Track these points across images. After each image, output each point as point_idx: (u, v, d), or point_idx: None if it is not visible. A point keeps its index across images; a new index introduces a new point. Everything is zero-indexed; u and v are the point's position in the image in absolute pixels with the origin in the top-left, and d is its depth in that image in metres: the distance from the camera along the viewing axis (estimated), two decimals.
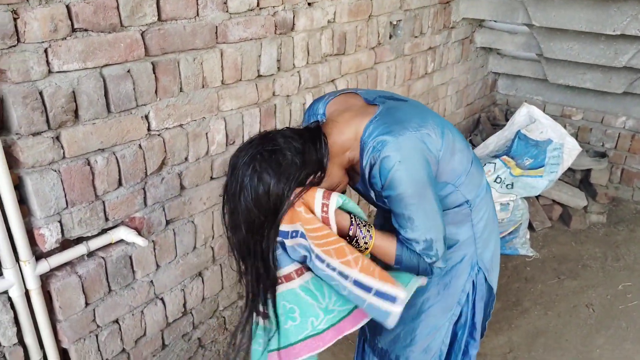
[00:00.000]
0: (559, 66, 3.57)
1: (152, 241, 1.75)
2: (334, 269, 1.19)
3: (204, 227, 1.94)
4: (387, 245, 1.30)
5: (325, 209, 1.23)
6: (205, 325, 2.10)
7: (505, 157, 3.16)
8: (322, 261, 1.20)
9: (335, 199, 1.23)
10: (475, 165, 1.44)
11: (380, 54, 2.65)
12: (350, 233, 1.26)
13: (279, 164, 1.16)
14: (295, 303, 1.26)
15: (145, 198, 1.68)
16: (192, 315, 2.02)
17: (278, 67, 2.04)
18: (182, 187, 1.81)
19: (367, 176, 1.27)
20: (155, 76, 1.59)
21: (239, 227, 1.18)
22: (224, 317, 2.18)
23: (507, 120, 4.04)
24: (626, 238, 3.26)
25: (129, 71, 1.50)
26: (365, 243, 1.28)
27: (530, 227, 3.32)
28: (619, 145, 3.70)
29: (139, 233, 1.68)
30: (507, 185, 3.07)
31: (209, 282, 2.04)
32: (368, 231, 1.29)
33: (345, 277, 1.19)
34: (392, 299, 1.17)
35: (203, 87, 1.76)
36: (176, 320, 1.95)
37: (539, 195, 3.39)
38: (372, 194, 1.33)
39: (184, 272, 1.92)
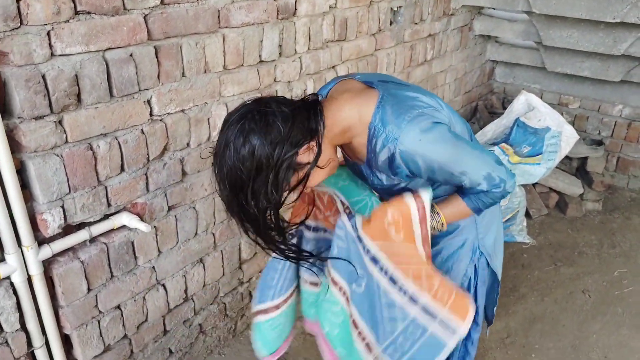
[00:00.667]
0: (558, 54, 3.57)
1: (154, 227, 1.75)
2: (405, 292, 1.22)
3: (205, 214, 1.93)
4: (457, 208, 1.33)
5: (420, 204, 1.25)
6: (206, 312, 2.10)
7: (503, 144, 3.17)
8: (395, 282, 1.22)
9: (427, 196, 1.26)
10: (475, 141, 1.44)
11: (381, 40, 2.64)
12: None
13: (267, 126, 1.12)
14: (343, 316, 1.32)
15: (147, 184, 1.67)
16: (193, 301, 2.02)
17: (279, 53, 2.03)
18: (184, 173, 1.80)
19: (388, 166, 1.26)
20: (158, 60, 1.57)
21: (224, 184, 1.16)
22: (224, 304, 2.19)
23: (504, 108, 4.05)
24: (621, 225, 3.29)
25: (131, 55, 1.49)
26: (439, 221, 1.33)
27: (527, 214, 3.34)
28: (616, 133, 3.72)
29: (141, 219, 1.68)
30: None
31: (210, 268, 2.04)
32: (433, 211, 1.33)
33: (415, 301, 1.22)
34: (453, 330, 1.19)
35: (205, 72, 1.74)
36: (177, 306, 1.95)
37: (536, 183, 3.41)
38: (383, 178, 1.32)
39: (186, 258, 1.92)
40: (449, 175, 1.24)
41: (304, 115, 1.18)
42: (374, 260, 1.26)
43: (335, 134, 1.25)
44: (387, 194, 1.40)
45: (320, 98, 1.33)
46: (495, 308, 1.71)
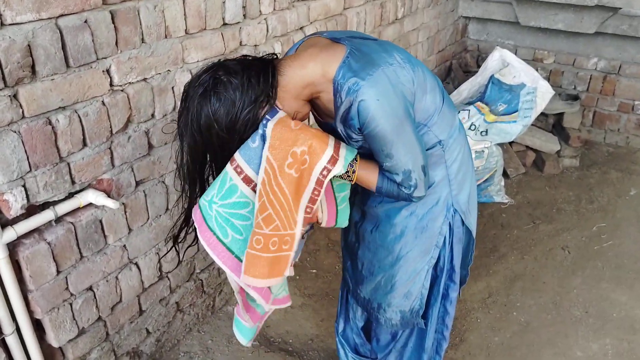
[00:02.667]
0: (530, 8, 3.61)
1: (123, 204, 1.74)
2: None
3: (175, 188, 1.93)
4: (368, 175, 1.39)
5: (325, 172, 1.30)
6: (183, 289, 2.12)
7: (479, 103, 3.22)
8: (250, 183, 1.31)
9: (339, 168, 1.31)
10: (447, 104, 1.48)
11: None
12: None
13: (223, 93, 1.24)
14: (252, 215, 1.34)
15: (112, 158, 1.66)
16: (169, 279, 2.03)
17: (244, 15, 2.01)
18: (151, 146, 1.79)
19: (344, 117, 1.31)
20: (115, 26, 1.54)
21: (184, 150, 1.32)
22: (201, 280, 2.21)
23: (478, 66, 4.10)
24: (599, 180, 3.41)
25: (86, 21, 1.46)
26: (352, 174, 1.37)
27: (505, 174, 3.43)
28: (591, 87, 3.82)
29: (108, 196, 1.67)
30: (481, 132, 3.14)
31: (183, 244, 2.04)
32: (353, 163, 1.37)
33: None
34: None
35: (166, 37, 1.72)
36: (152, 285, 1.96)
37: (512, 142, 3.49)
38: (342, 132, 1.37)
39: (158, 235, 1.92)
40: (377, 149, 1.32)
41: (255, 81, 1.27)
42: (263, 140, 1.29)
43: (298, 89, 1.31)
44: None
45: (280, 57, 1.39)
46: (469, 267, 1.78)
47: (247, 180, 1.31)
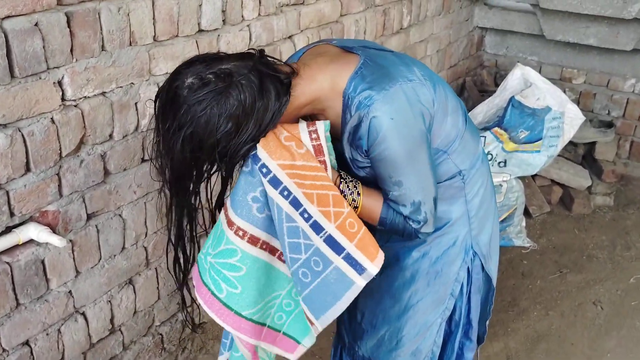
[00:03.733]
0: (558, 19, 3.69)
1: (70, 241, 1.73)
2: (308, 219, 1.29)
3: (134, 222, 1.93)
4: (373, 205, 1.40)
5: (314, 135, 1.32)
6: (139, 345, 2.10)
7: (496, 128, 3.26)
8: (298, 207, 1.28)
9: (323, 125, 1.32)
10: (469, 129, 1.51)
11: (347, 3, 2.68)
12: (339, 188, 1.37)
13: (237, 97, 1.22)
14: (245, 265, 1.35)
15: (60, 186, 1.66)
16: (122, 333, 2.01)
17: (223, 20, 2.04)
18: (107, 172, 1.79)
19: (351, 136, 1.33)
20: (71, 31, 1.56)
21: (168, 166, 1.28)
22: (160, 335, 2.19)
23: (496, 85, 4.16)
24: (637, 223, 3.45)
25: (37, 24, 1.47)
26: (354, 200, 1.38)
27: (527, 212, 3.46)
28: (628, 113, 3.89)
29: (54, 231, 1.66)
30: (499, 162, 3.18)
31: (141, 291, 2.04)
32: (355, 187, 1.39)
33: (319, 230, 1.29)
34: (361, 269, 1.29)
35: (130, 44, 1.74)
36: (102, 340, 1.94)
37: (536, 175, 3.52)
38: (348, 154, 1.39)
39: (111, 279, 1.91)
40: (384, 175, 1.34)
41: (274, 92, 1.26)
42: (274, 181, 1.30)
43: (301, 106, 1.32)
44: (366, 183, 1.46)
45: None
46: (487, 322, 1.78)
47: (230, 224, 1.33)
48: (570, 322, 2.72)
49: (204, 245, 1.40)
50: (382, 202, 1.40)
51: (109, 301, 1.93)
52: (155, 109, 1.27)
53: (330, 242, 1.30)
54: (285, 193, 1.29)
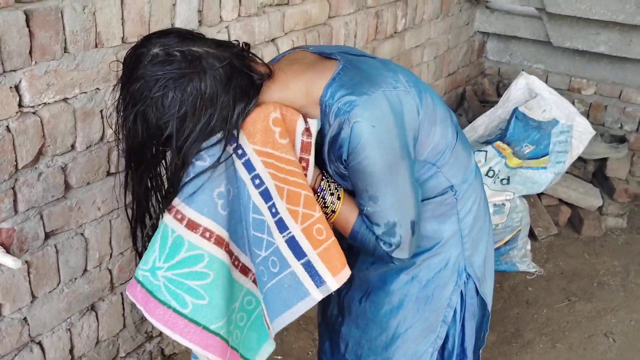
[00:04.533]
0: (565, 24, 3.74)
1: (26, 262, 1.72)
2: (275, 214, 1.31)
3: (98, 242, 1.92)
4: (349, 215, 1.41)
5: (307, 132, 1.34)
6: None
7: (499, 143, 3.28)
8: (268, 199, 1.30)
9: (315, 123, 1.34)
10: (461, 141, 1.52)
11: (336, 4, 2.70)
12: (318, 188, 1.39)
13: (202, 82, 1.23)
14: (213, 271, 1.36)
15: (15, 202, 1.65)
16: None
17: (199, 21, 2.05)
18: (68, 187, 1.79)
19: (331, 145, 1.34)
20: (30, 31, 1.56)
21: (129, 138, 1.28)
22: None
23: (499, 95, 4.19)
24: None
25: None
26: (332, 203, 1.40)
27: (532, 234, 3.47)
28: None
29: (8, 251, 1.65)
30: (502, 180, 3.19)
31: (105, 318, 2.02)
32: (337, 189, 1.41)
33: (283, 228, 1.30)
34: (319, 280, 1.30)
35: (96, 46, 1.74)
36: None
37: (542, 194, 3.54)
38: (330, 168, 1.40)
39: (71, 305, 1.89)
40: (361, 187, 1.35)
41: (240, 91, 1.27)
42: (248, 166, 1.32)
43: None
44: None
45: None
46: (481, 350, 1.78)
47: (192, 226, 1.32)
48: (579, 355, 2.72)
49: (142, 261, 1.35)
50: (357, 214, 1.41)
51: (69, 329, 1.91)
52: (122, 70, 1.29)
53: (292, 244, 1.31)
54: (257, 182, 1.31)
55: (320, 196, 1.40)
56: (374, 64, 1.39)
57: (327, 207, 1.41)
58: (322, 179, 1.41)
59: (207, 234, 1.33)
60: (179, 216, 1.32)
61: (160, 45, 1.23)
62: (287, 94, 1.34)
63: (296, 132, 1.34)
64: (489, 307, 1.69)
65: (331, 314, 1.73)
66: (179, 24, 1.97)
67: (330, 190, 1.40)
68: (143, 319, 2.18)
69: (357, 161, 1.31)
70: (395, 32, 3.23)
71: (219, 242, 1.34)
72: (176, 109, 1.23)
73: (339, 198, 1.41)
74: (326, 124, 1.33)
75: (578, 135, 3.32)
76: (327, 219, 1.38)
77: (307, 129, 1.35)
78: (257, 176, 1.31)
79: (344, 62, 1.36)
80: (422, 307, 1.57)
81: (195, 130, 1.25)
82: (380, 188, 1.33)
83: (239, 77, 1.27)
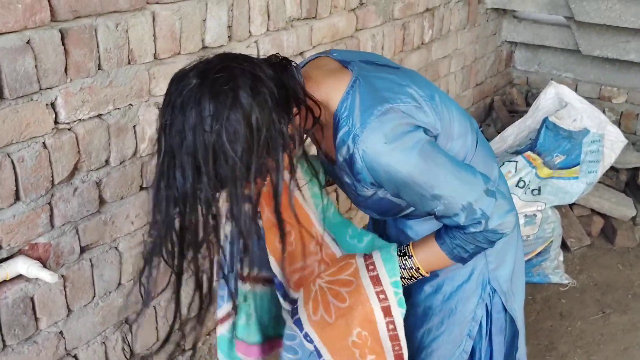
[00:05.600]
0: (595, 33, 3.71)
1: (62, 276, 1.74)
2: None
3: (131, 256, 1.94)
4: (432, 253, 1.41)
5: (382, 296, 1.41)
6: None
7: (529, 153, 3.26)
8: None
9: (390, 284, 1.41)
10: (482, 147, 1.51)
11: (363, 17, 2.72)
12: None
13: (255, 83, 1.17)
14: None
15: (51, 217, 1.67)
16: None
17: (229, 36, 2.08)
18: (102, 201, 1.81)
19: (349, 167, 1.34)
20: (65, 49, 1.59)
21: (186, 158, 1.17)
22: None
23: (527, 104, 4.17)
24: None
25: (28, 42, 1.51)
26: (412, 268, 1.43)
27: (564, 246, 3.43)
28: None
29: (44, 265, 1.67)
30: (532, 190, 3.17)
31: (139, 331, 2.04)
32: (405, 258, 1.44)
33: None
34: None
35: (129, 63, 1.77)
36: None
37: (574, 204, 3.51)
38: (349, 181, 1.40)
39: (106, 318, 1.91)
40: (418, 197, 1.32)
41: (284, 76, 1.25)
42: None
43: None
44: (374, 209, 1.48)
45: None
46: None
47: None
48: None
49: None
50: (435, 242, 1.40)
51: (103, 342, 1.92)
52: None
53: None
54: None
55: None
56: (388, 79, 1.36)
57: (412, 276, 1.43)
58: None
59: None
60: None
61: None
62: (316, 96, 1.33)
63: (382, 341, 1.41)
64: (519, 324, 1.66)
65: None
66: (209, 39, 2.00)
67: (403, 269, 1.43)
68: (177, 330, 2.19)
69: (394, 183, 1.29)
70: (422, 44, 3.24)
71: None
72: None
73: (410, 257, 1.42)
74: (338, 139, 1.31)
75: (610, 144, 3.29)
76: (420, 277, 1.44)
77: (390, 322, 1.40)
78: None
79: (356, 74, 1.34)
80: (446, 320, 1.56)
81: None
82: (434, 184, 1.29)
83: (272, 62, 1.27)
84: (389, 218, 1.60)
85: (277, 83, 1.21)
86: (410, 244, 1.44)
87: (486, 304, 1.57)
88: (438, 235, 1.40)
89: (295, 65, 1.31)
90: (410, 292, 1.57)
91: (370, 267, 1.43)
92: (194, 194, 1.17)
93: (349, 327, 1.40)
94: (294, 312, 1.48)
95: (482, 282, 1.55)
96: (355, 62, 1.40)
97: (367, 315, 1.39)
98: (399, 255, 1.44)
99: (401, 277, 1.42)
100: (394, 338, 1.40)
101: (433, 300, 1.56)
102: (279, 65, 1.28)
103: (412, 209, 1.46)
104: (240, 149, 1.14)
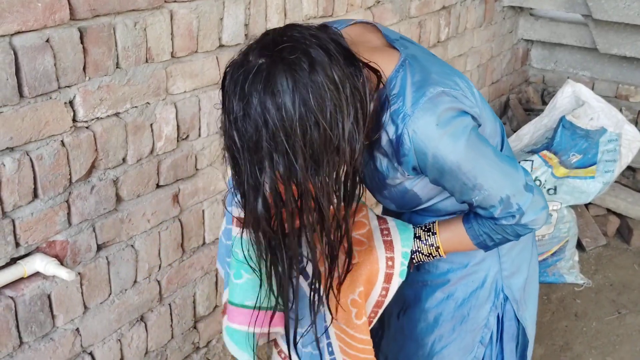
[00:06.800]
0: (612, 30, 3.68)
1: (79, 274, 1.75)
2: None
3: (147, 254, 1.94)
4: (456, 235, 1.40)
5: (390, 263, 1.37)
6: None
7: (545, 152, 3.24)
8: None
9: (400, 254, 1.39)
10: (506, 151, 1.50)
11: (380, 15, 2.71)
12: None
13: (325, 52, 1.13)
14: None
15: (69, 214, 1.68)
16: None
17: (246, 34, 2.07)
18: (119, 199, 1.82)
19: (386, 143, 1.30)
20: (84, 47, 1.60)
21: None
22: None
23: (544, 103, 4.15)
24: None
25: (48, 40, 1.51)
26: (432, 246, 1.42)
27: (580, 245, 3.42)
28: None
29: (61, 262, 1.68)
30: (548, 189, 3.15)
31: (154, 328, 2.05)
32: (428, 234, 1.42)
33: None
34: None
35: (147, 61, 1.77)
36: None
37: (590, 204, 3.49)
38: (384, 164, 1.36)
39: (121, 315, 1.92)
40: (459, 185, 1.29)
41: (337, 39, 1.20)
42: (325, 332, 1.42)
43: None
44: (395, 201, 1.45)
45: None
46: None
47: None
48: None
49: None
50: (462, 226, 1.38)
51: (119, 340, 1.93)
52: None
53: None
54: (330, 349, 1.44)
55: (417, 257, 1.43)
56: (437, 63, 1.34)
57: (431, 254, 1.42)
58: (415, 239, 1.43)
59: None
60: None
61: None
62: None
63: (374, 287, 1.39)
64: (529, 333, 1.64)
65: (372, 327, 1.73)
66: (226, 37, 2.00)
67: (423, 243, 1.43)
68: (192, 328, 2.20)
69: (438, 169, 1.26)
70: (438, 42, 3.23)
71: None
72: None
73: (434, 234, 1.41)
74: (383, 117, 1.27)
75: (627, 143, 3.26)
76: (437, 257, 1.44)
77: (384, 289, 1.39)
78: (330, 344, 1.39)
79: (405, 54, 1.30)
80: (458, 327, 1.55)
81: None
82: (478, 174, 1.26)
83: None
84: (405, 212, 1.58)
85: (337, 44, 1.17)
86: (436, 222, 1.42)
87: (498, 312, 1.56)
88: (466, 218, 1.39)
89: (339, 33, 1.24)
90: (421, 297, 1.56)
91: (385, 232, 1.41)
92: (288, 183, 1.14)
93: (354, 285, 1.37)
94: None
95: (496, 289, 1.54)
96: (401, 42, 1.37)
97: (371, 276, 1.37)
98: (423, 230, 1.42)
99: (419, 252, 1.42)
100: (379, 304, 1.40)
101: (445, 307, 1.55)
102: (325, 30, 1.22)
103: (430, 203, 1.44)
104: (329, 113, 1.11)
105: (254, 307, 1.38)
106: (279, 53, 1.10)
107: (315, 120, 1.10)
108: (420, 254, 1.42)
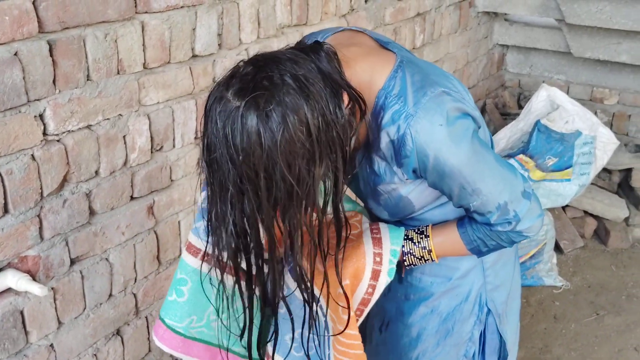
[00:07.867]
0: (586, 34, 3.72)
1: (52, 289, 1.73)
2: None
3: (123, 267, 1.92)
4: (449, 240, 1.39)
5: (378, 259, 1.35)
6: None
7: (521, 156, 3.27)
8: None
9: (389, 251, 1.37)
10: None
11: (354, 22, 2.71)
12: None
13: (300, 85, 1.12)
14: (191, 279, 1.46)
15: (41, 229, 1.66)
16: None
17: (219, 44, 2.07)
18: (92, 212, 1.80)
19: (385, 145, 1.29)
20: (53, 60, 1.58)
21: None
22: None
23: (520, 107, 4.18)
24: None
25: (16, 54, 1.49)
26: (424, 249, 1.41)
27: (557, 248, 3.44)
28: None
29: (34, 278, 1.66)
30: None
31: (130, 342, 2.02)
32: (420, 237, 1.41)
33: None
34: None
35: (118, 73, 1.76)
36: None
37: (567, 206, 3.51)
38: (382, 168, 1.35)
39: (97, 330, 1.90)
40: (458, 189, 1.28)
41: (322, 64, 1.19)
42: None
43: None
44: (387, 208, 1.44)
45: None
46: None
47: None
48: None
49: None
50: (456, 231, 1.38)
51: (95, 355, 1.91)
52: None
53: None
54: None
55: (409, 259, 1.43)
56: (432, 66, 1.35)
57: (423, 257, 1.41)
58: (405, 241, 1.42)
59: None
60: None
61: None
62: (351, 73, 1.24)
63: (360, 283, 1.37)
64: (510, 347, 1.62)
65: None
66: (199, 47, 1.99)
67: (415, 246, 1.41)
68: None
69: (439, 171, 1.25)
70: (413, 48, 3.23)
71: None
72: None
73: (427, 236, 1.40)
74: (382, 117, 1.26)
75: (602, 146, 3.30)
76: (429, 261, 1.43)
77: (370, 286, 1.36)
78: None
79: (400, 56, 1.30)
80: (442, 341, 1.54)
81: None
82: (477, 178, 1.25)
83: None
84: (397, 220, 1.55)
85: (322, 76, 1.16)
86: (430, 225, 1.41)
87: (483, 325, 1.55)
88: (460, 223, 1.38)
89: (328, 46, 1.23)
90: (404, 312, 1.55)
91: (375, 231, 1.41)
92: (254, 224, 1.16)
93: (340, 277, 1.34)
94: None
95: (480, 303, 1.53)
96: (394, 44, 1.36)
97: (357, 271, 1.35)
98: (416, 233, 1.41)
99: (411, 255, 1.41)
100: (365, 302, 1.37)
101: (429, 322, 1.53)
102: (313, 51, 1.20)
103: (422, 211, 1.43)
104: (297, 168, 1.11)
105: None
106: (254, 100, 1.08)
107: (282, 177, 1.11)
108: (412, 257, 1.41)
